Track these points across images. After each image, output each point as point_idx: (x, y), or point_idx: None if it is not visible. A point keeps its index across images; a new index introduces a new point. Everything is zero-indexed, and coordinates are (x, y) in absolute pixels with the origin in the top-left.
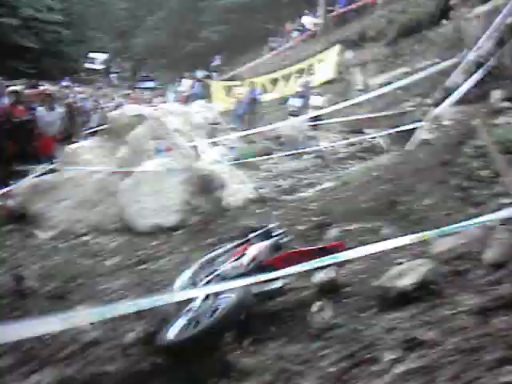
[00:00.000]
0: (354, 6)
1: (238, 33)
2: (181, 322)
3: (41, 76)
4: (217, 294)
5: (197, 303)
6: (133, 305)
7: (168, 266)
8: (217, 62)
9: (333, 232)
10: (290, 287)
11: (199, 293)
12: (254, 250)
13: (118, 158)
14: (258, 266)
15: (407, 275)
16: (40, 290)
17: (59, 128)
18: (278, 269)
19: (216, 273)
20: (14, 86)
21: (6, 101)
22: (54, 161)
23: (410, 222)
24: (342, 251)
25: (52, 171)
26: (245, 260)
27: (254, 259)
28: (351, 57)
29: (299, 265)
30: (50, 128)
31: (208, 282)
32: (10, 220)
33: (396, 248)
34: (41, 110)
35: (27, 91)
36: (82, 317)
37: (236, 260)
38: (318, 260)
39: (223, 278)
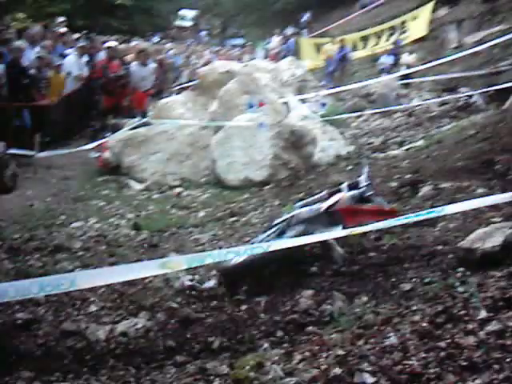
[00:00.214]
0: None
1: None
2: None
3: (132, 32)
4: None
5: (263, 236)
6: (227, 253)
7: (258, 219)
8: (306, 18)
9: (425, 190)
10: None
11: (287, 243)
12: (336, 197)
13: (210, 112)
14: (329, 213)
15: (492, 237)
16: (134, 238)
17: (152, 83)
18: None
19: (293, 213)
20: (109, 42)
21: (102, 56)
22: (146, 114)
23: (507, 181)
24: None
25: (145, 125)
26: (323, 205)
27: (331, 206)
28: (446, 14)
29: (392, 220)
30: (142, 83)
31: (283, 221)
32: (105, 171)
33: (491, 207)
34: (134, 66)
35: (121, 47)
36: (178, 262)
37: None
38: (414, 215)
39: (297, 219)
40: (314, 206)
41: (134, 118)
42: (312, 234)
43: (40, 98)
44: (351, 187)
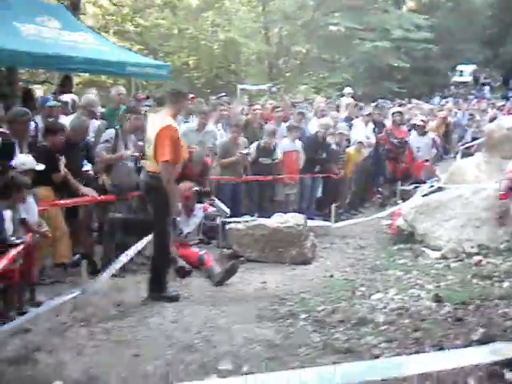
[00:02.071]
0: None
1: None
2: None
3: (411, 94)
4: None
5: None
6: None
7: None
8: None
9: None
10: None
11: None
12: None
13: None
14: None
15: None
16: (437, 311)
17: (430, 153)
18: None
19: None
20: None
21: (387, 122)
22: (436, 179)
23: None
24: None
25: (438, 190)
26: None
27: None
28: None
29: None
30: (420, 152)
31: None
32: (398, 239)
33: None
34: (413, 134)
35: (405, 110)
36: None
37: None
38: None
39: None
40: None
41: (421, 184)
42: None
43: (336, 169)
44: None
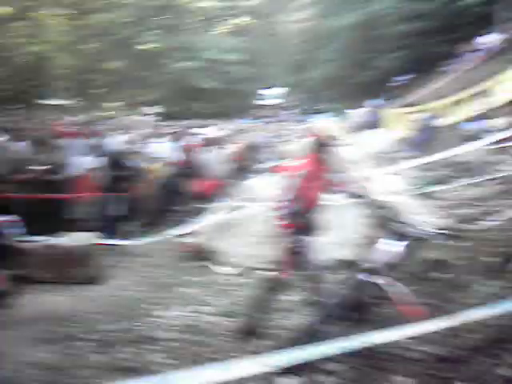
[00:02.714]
0: None
1: (412, 58)
2: None
3: (216, 115)
4: None
5: None
6: None
7: None
8: (391, 88)
9: None
10: None
11: None
12: None
13: None
14: None
15: None
16: (224, 326)
17: (222, 170)
18: None
19: None
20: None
21: (189, 141)
22: (232, 197)
23: None
24: None
25: (234, 208)
26: None
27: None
28: None
29: None
30: (216, 170)
31: None
32: (193, 256)
33: None
34: (210, 152)
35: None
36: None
37: None
38: None
39: None
40: None
41: (219, 202)
42: None
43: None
44: None
